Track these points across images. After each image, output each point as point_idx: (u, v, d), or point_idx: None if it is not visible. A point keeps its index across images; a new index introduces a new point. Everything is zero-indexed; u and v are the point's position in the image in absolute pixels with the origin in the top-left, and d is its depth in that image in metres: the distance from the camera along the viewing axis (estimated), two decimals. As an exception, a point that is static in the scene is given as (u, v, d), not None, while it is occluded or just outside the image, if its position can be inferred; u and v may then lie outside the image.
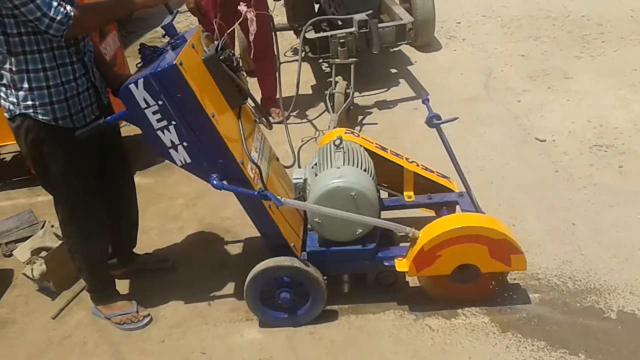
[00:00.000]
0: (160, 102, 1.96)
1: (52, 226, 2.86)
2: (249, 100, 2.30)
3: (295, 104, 3.92)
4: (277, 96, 3.88)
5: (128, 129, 3.08)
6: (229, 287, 2.64)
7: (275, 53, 3.83)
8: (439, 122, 2.34)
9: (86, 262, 2.43)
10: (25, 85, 2.01)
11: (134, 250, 2.79)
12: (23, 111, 2.05)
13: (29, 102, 2.03)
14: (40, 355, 2.44)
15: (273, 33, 3.78)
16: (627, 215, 2.76)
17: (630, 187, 2.97)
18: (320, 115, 4.18)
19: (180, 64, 1.90)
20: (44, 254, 2.74)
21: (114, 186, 2.48)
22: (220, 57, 2.08)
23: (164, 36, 2.11)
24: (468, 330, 2.25)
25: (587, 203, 2.89)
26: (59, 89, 2.05)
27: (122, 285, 2.68)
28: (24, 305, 2.74)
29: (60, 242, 2.70)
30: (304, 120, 4.15)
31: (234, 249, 2.93)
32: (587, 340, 2.15)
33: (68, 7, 1.91)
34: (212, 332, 2.42)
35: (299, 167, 3.33)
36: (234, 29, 3.29)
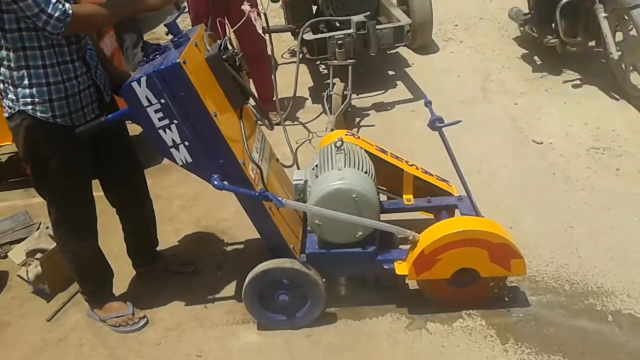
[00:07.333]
0: (162, 101, 1.94)
1: (47, 228, 2.83)
2: (251, 101, 2.29)
3: (293, 105, 3.92)
4: (274, 98, 3.87)
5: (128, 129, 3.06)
6: (226, 289, 2.63)
7: (270, 54, 3.80)
8: (442, 125, 2.33)
9: (77, 263, 2.41)
10: (25, 81, 1.99)
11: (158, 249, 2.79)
12: (22, 108, 2.02)
13: (28, 99, 2.01)
14: (35, 357, 2.42)
15: (268, 34, 3.76)
16: (624, 218, 2.78)
17: (627, 190, 2.99)
18: (317, 117, 4.18)
19: (184, 62, 1.89)
20: (39, 255, 2.73)
21: (122, 186, 2.47)
22: (223, 57, 2.07)
23: (167, 34, 2.09)
24: (466, 333, 2.25)
25: (584, 205, 2.90)
26: (59, 86, 2.03)
27: (118, 287, 2.65)
28: (18, 307, 2.72)
29: (55, 243, 2.68)
30: (302, 122, 4.15)
31: (231, 251, 2.92)
32: (584, 342, 2.16)
33: (67, 5, 1.88)
34: (208, 335, 2.40)
35: (298, 168, 3.33)
36: (227, 28, 3.28)
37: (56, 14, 1.86)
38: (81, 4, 1.98)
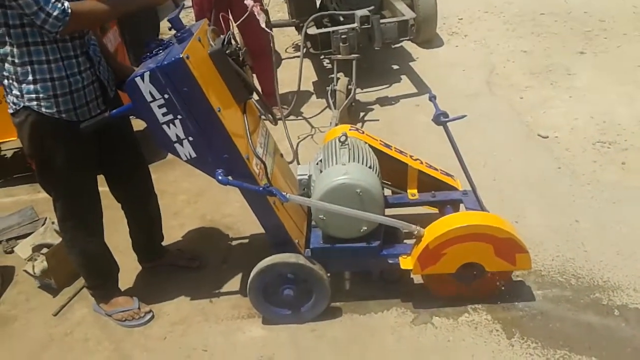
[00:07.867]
0: (166, 96, 1.94)
1: (53, 223, 2.84)
2: (254, 96, 2.29)
3: (297, 100, 3.90)
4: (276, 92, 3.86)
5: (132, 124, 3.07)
6: (231, 284, 2.63)
7: (272, 48, 3.79)
8: (447, 119, 2.32)
9: (83, 258, 2.42)
10: (30, 77, 1.98)
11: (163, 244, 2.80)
12: (27, 104, 2.02)
13: (33, 95, 2.00)
14: (41, 352, 2.43)
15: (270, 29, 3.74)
16: (631, 212, 2.76)
17: (633, 184, 2.97)
18: (322, 111, 4.17)
19: (187, 57, 1.89)
20: (45, 250, 2.74)
21: (127, 181, 2.48)
22: (227, 52, 2.06)
23: (170, 29, 2.09)
24: (471, 328, 2.25)
25: (590, 200, 2.89)
26: (64, 81, 2.02)
27: (124, 282, 2.66)
28: (25, 302, 2.73)
29: (61, 238, 2.69)
30: (306, 117, 4.14)
31: (236, 246, 2.92)
32: (590, 337, 2.15)
33: (66, 4, 1.87)
34: (214, 329, 2.41)
35: (298, 163, 3.32)
36: (231, 22, 3.27)
37: (55, 13, 1.85)
38: (81, 1, 1.96)
